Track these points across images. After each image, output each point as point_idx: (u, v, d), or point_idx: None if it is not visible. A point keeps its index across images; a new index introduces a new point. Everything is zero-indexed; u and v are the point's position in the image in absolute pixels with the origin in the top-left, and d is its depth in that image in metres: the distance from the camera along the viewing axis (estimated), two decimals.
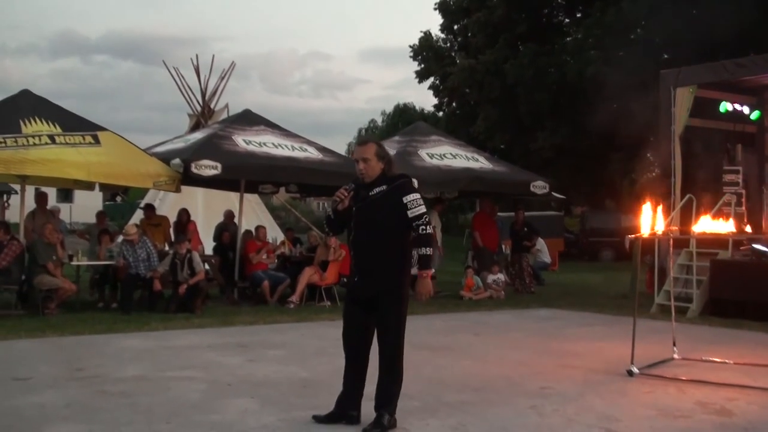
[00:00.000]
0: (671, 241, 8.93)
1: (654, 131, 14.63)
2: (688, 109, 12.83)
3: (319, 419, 5.16)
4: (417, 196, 4.96)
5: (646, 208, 7.22)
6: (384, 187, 4.98)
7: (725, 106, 13.64)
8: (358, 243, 5.07)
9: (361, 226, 5.02)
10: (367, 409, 5.09)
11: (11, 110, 11.47)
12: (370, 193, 4.99)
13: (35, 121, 11.28)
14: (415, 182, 5.63)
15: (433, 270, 4.80)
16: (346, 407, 5.12)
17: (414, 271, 5.22)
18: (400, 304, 5.00)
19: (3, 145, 10.66)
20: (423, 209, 4.92)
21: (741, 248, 11.60)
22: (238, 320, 10.52)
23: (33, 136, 11.01)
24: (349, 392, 5.14)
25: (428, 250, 4.92)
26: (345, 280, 13.29)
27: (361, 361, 5.13)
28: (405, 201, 4.91)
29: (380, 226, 4.95)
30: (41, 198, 13.17)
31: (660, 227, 7.36)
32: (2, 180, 16.56)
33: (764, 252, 11.01)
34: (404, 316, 5.05)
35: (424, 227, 4.88)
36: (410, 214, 4.88)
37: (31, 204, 13.08)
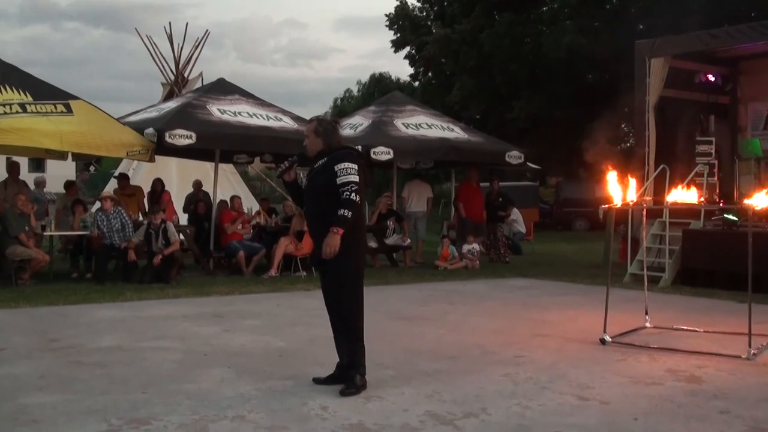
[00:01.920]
0: (645, 211, 8.98)
1: (629, 102, 14.69)
2: (663, 80, 12.89)
3: (318, 381, 5.40)
4: (348, 165, 5.15)
5: (611, 177, 7.25)
6: (325, 159, 5.29)
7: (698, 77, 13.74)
8: (307, 212, 5.54)
9: (308, 196, 5.39)
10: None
11: None
12: (315, 166, 5.34)
13: (5, 90, 11.09)
14: (359, 150, 6.04)
15: (342, 231, 5.02)
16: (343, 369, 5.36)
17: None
18: (348, 267, 5.20)
19: None
20: (351, 177, 5.12)
21: (712, 218, 11.74)
22: (213, 290, 10.51)
23: (3, 105, 10.84)
24: (340, 356, 5.38)
25: (346, 212, 5.05)
26: None
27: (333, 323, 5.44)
28: (336, 169, 5.15)
29: (321, 194, 5.22)
30: (13, 168, 13.00)
31: (632, 197, 7.42)
32: None
33: (735, 221, 11.15)
34: (355, 278, 5.27)
35: (348, 193, 5.07)
36: (338, 181, 5.12)
37: (2, 174, 12.92)
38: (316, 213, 5.31)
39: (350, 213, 5.07)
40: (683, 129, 13.50)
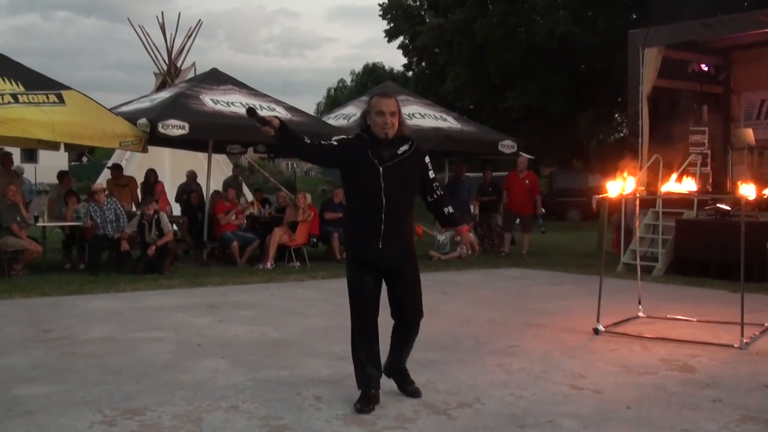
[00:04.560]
0: (638, 201, 9.00)
1: (622, 92, 14.70)
2: (656, 70, 12.90)
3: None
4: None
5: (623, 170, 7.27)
6: (406, 146, 4.62)
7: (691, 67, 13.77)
8: (387, 206, 4.54)
9: (391, 187, 4.54)
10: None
11: None
12: (398, 152, 4.58)
13: None
14: None
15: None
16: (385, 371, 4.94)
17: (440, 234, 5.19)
18: (417, 268, 4.84)
19: None
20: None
21: (705, 208, 11.77)
22: (207, 281, 10.50)
23: None
24: (375, 361, 4.82)
25: (452, 208, 4.80)
26: (314, 240, 13.34)
27: (376, 329, 4.82)
28: (426, 161, 4.70)
29: (409, 188, 4.65)
30: (5, 158, 12.93)
31: (628, 188, 7.43)
32: None
33: (727, 211, 11.18)
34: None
35: (440, 189, 4.78)
36: (430, 174, 4.72)
37: None
38: (401, 208, 4.62)
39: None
40: (676, 119, 13.52)
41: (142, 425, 4.31)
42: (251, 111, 4.60)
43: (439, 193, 4.75)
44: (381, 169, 4.53)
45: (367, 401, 4.61)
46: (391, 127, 4.55)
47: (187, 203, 14.05)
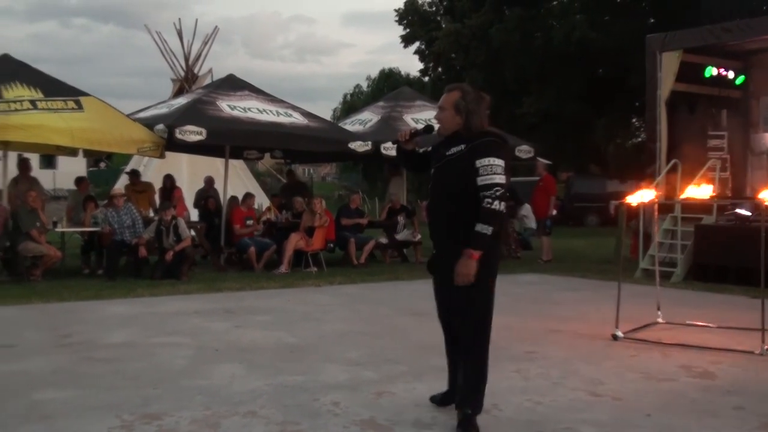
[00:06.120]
0: (656, 207, 8.94)
1: (639, 96, 14.62)
2: (674, 74, 12.82)
3: (434, 399, 4.78)
4: (494, 161, 4.12)
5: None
6: (462, 146, 4.24)
7: (710, 71, 13.65)
8: (431, 209, 4.46)
9: (434, 189, 4.37)
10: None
11: None
12: (447, 153, 4.30)
13: (16, 86, 11.14)
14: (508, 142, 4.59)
15: (480, 254, 4.09)
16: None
17: None
18: (477, 285, 4.21)
19: None
20: (497, 178, 4.10)
21: (725, 213, 11.68)
22: (224, 286, 10.53)
23: (14, 102, 10.88)
24: (452, 371, 4.62)
25: (486, 229, 4.07)
26: (331, 245, 13.36)
27: (454, 339, 4.55)
28: (477, 165, 4.13)
29: (451, 191, 4.25)
30: (24, 164, 13.03)
31: (647, 196, 7.38)
32: None
33: (747, 216, 11.09)
34: (489, 292, 4.36)
35: (491, 200, 4.06)
36: (479, 181, 4.12)
37: (13, 170, 12.96)
38: (442, 213, 4.34)
39: (491, 229, 4.08)
40: (695, 123, 13.44)
41: (160, 430, 4.31)
42: (429, 128, 4.67)
43: (484, 204, 4.09)
44: (432, 170, 4.43)
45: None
46: (438, 123, 4.43)
47: (204, 209, 14.11)
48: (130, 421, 4.45)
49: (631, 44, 21.36)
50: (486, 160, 4.13)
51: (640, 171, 11.74)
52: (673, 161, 9.68)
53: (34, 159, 15.94)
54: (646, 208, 9.86)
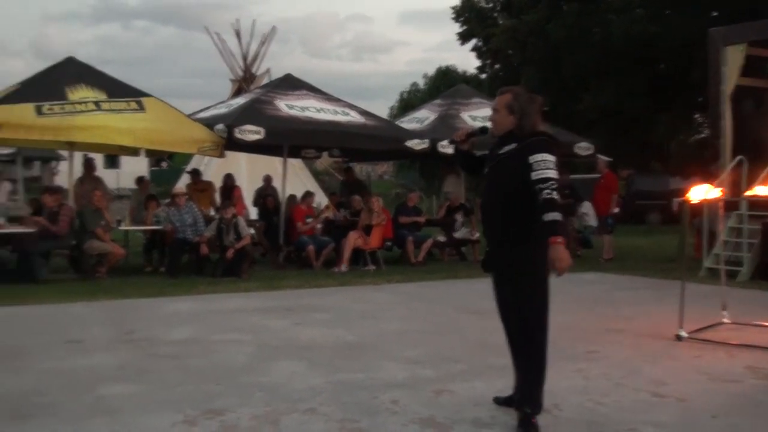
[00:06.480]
0: (721, 204, 8.71)
1: (702, 92, 14.30)
2: (739, 68, 12.50)
3: (498, 401, 4.78)
4: (545, 156, 4.25)
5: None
6: (514, 145, 4.39)
7: None
8: (484, 207, 4.56)
9: (488, 188, 4.51)
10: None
11: (57, 77, 11.62)
12: (500, 152, 4.46)
13: (81, 88, 11.41)
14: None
15: (563, 239, 4.18)
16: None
17: None
18: (535, 271, 4.34)
19: (51, 112, 10.83)
20: (550, 173, 4.22)
21: None
22: (283, 284, 10.63)
23: (79, 103, 11.16)
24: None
25: (554, 215, 4.14)
26: (389, 244, 13.38)
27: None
28: (530, 161, 4.24)
29: (504, 189, 4.38)
30: (89, 164, 13.36)
31: (712, 194, 7.20)
32: (50, 147, 16.88)
33: None
34: (544, 286, 4.43)
35: (548, 191, 4.16)
36: (533, 176, 4.22)
37: (79, 170, 13.30)
38: (496, 210, 4.43)
39: (558, 215, 4.16)
40: (761, 119, 13.07)
41: (222, 425, 4.37)
42: (484, 129, 4.79)
43: (543, 196, 4.17)
44: (486, 170, 4.57)
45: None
46: (492, 124, 4.58)
47: (263, 207, 14.26)
48: (193, 417, 4.52)
49: (694, 38, 20.91)
50: (539, 156, 4.25)
51: (703, 168, 11.44)
52: (738, 158, 9.42)
53: (98, 159, 16.31)
54: (710, 205, 9.62)
